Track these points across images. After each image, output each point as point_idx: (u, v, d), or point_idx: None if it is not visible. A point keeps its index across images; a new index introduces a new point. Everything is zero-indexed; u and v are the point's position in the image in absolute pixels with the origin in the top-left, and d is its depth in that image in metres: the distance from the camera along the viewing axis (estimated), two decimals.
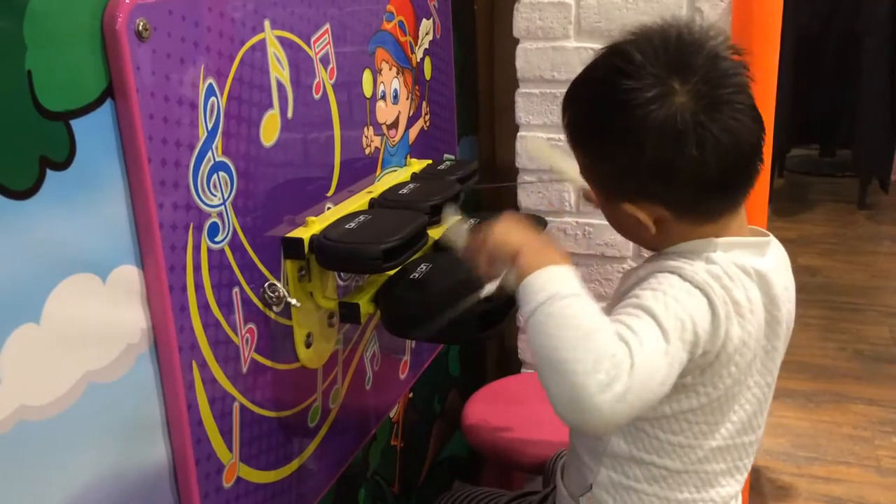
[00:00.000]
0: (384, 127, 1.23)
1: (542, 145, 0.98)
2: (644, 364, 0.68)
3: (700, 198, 0.78)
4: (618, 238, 1.52)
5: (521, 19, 1.56)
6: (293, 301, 0.96)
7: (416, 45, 1.33)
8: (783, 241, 0.89)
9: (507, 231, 0.80)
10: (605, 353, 0.67)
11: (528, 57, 1.57)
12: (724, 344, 0.76)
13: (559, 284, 0.72)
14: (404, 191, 1.16)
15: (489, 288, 0.82)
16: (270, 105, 0.92)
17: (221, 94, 0.83)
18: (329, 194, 1.08)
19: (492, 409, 1.49)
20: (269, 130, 0.92)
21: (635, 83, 0.74)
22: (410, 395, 1.48)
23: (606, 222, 0.87)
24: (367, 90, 1.16)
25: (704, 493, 0.84)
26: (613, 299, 0.84)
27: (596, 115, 0.80)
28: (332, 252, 0.96)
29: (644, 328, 0.71)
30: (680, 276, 0.76)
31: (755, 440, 0.86)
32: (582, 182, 0.88)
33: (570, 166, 0.98)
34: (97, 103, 0.69)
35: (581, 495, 0.89)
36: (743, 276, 0.78)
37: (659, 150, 0.74)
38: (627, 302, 0.75)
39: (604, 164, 0.80)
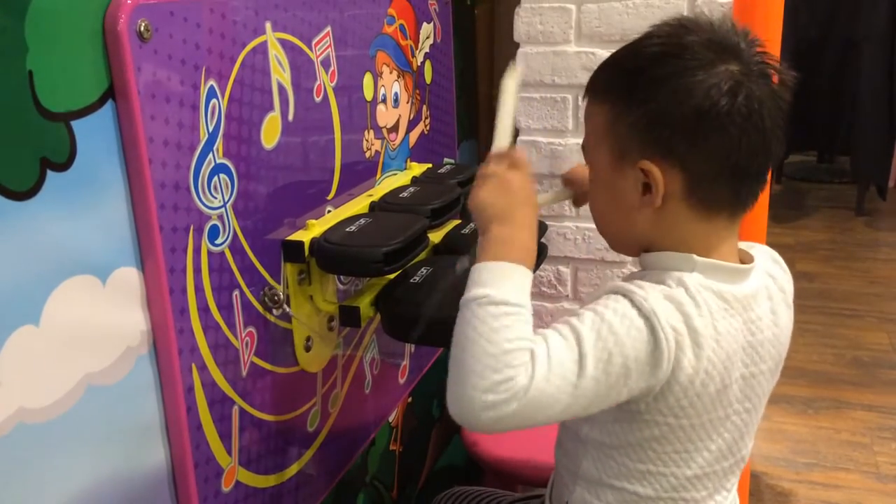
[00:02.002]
0: (385, 130, 1.23)
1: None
2: (540, 394, 0.68)
3: (718, 177, 0.74)
4: None
5: (522, 23, 1.56)
6: (290, 310, 0.96)
7: (416, 48, 1.33)
8: (781, 246, 0.88)
9: (494, 192, 0.78)
10: (504, 377, 0.68)
11: (528, 61, 1.57)
12: (672, 374, 0.73)
13: (498, 286, 0.71)
14: (405, 194, 1.15)
15: (461, 264, 0.81)
16: (271, 107, 0.92)
17: (222, 96, 0.83)
18: (329, 197, 1.07)
19: None
20: (270, 133, 0.92)
21: (697, 38, 0.73)
22: (409, 399, 1.47)
23: None
24: (368, 93, 1.16)
25: None
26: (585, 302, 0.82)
27: (646, 58, 0.75)
28: (332, 255, 0.96)
29: (562, 355, 0.70)
30: (630, 300, 0.73)
31: (738, 461, 0.84)
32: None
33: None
34: (98, 104, 0.69)
35: None
36: (716, 303, 0.75)
37: (704, 99, 0.71)
38: (570, 318, 0.74)
39: (638, 110, 0.74)
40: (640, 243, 0.81)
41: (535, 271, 1.22)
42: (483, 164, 0.82)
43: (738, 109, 0.72)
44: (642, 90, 0.74)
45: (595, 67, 0.82)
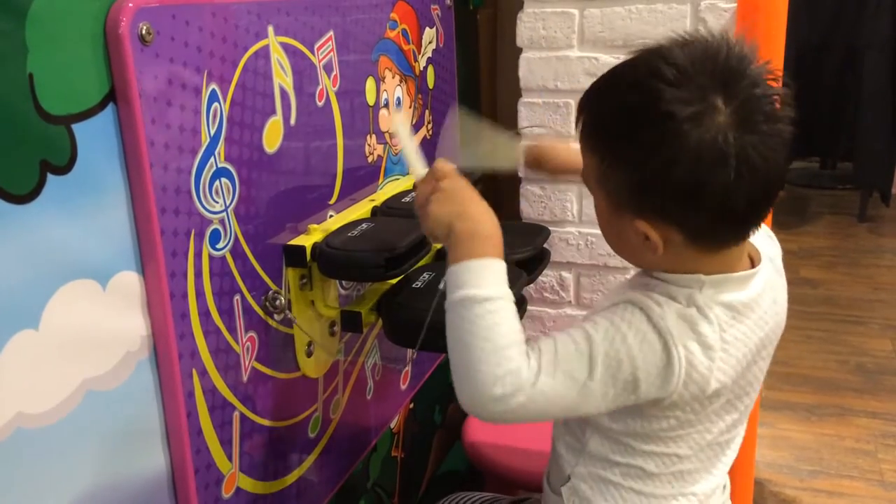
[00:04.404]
0: (387, 135, 1.23)
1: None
2: (547, 388, 0.72)
3: (719, 226, 0.74)
4: None
5: (525, 28, 1.55)
6: (292, 317, 0.95)
7: (419, 53, 1.32)
8: (784, 252, 0.89)
9: (440, 203, 0.79)
10: (507, 370, 0.71)
11: (531, 66, 1.56)
12: (684, 387, 0.75)
13: (476, 284, 0.74)
14: (407, 199, 1.15)
15: (443, 282, 0.81)
16: (273, 112, 0.92)
17: (224, 99, 0.82)
18: (331, 202, 1.07)
19: (493, 426, 1.47)
20: (272, 137, 0.92)
21: (678, 92, 0.68)
22: (411, 405, 1.47)
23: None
24: (371, 98, 1.16)
25: (683, 489, 0.85)
26: (596, 308, 0.82)
27: (626, 119, 0.72)
28: (334, 260, 0.95)
29: (572, 355, 0.73)
30: (647, 316, 0.74)
31: (735, 436, 0.87)
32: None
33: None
34: (99, 108, 0.69)
35: (561, 486, 0.89)
36: (725, 314, 0.76)
37: (693, 171, 0.69)
38: (584, 324, 0.76)
39: (623, 174, 0.73)
40: (649, 269, 0.81)
41: (536, 277, 1.22)
42: (414, 195, 0.84)
43: (732, 167, 0.68)
44: (628, 153, 0.72)
45: (598, 74, 0.80)
